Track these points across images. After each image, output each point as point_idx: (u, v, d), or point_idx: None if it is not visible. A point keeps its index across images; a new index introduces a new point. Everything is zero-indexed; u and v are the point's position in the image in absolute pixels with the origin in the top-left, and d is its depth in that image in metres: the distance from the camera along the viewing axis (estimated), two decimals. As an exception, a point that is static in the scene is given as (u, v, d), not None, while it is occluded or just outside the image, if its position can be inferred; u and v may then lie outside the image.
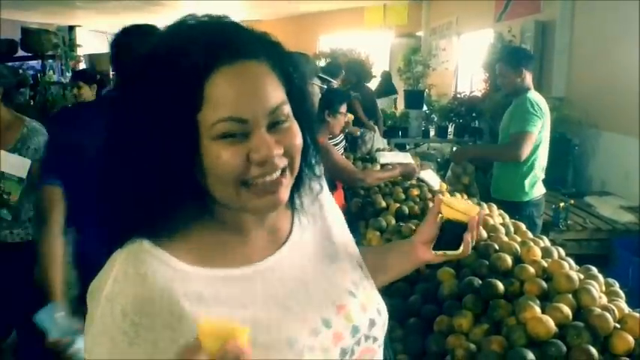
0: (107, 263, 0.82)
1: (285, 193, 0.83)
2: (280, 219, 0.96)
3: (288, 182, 0.84)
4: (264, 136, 0.79)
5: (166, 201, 0.80)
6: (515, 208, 3.37)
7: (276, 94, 0.81)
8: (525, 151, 3.42)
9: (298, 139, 0.84)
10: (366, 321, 0.93)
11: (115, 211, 0.83)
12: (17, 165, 2.70)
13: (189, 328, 0.74)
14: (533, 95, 3.54)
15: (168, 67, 0.77)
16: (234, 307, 0.81)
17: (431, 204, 2.93)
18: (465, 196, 3.04)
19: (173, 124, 0.76)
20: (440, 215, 1.08)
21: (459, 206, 1.06)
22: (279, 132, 0.81)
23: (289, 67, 0.87)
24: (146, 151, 0.77)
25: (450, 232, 1.07)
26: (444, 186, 3.47)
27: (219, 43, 0.79)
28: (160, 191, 0.79)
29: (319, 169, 0.97)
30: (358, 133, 5.12)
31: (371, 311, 0.95)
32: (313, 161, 0.94)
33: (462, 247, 1.06)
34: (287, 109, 0.83)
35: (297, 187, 0.92)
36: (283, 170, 0.82)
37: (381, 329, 0.96)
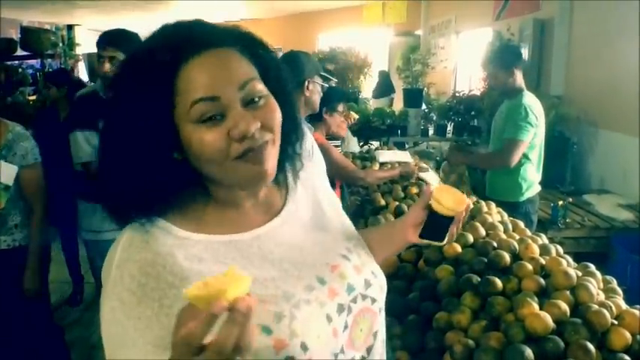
0: (115, 241, 0.88)
1: (271, 164, 0.88)
2: (273, 196, 1.02)
3: (272, 153, 0.88)
4: (239, 111, 0.84)
5: (161, 186, 0.86)
6: (511, 208, 3.38)
7: (244, 70, 0.87)
8: (515, 159, 3.42)
9: (277, 113, 0.89)
10: (360, 281, 0.98)
11: (115, 197, 0.89)
12: (4, 172, 2.61)
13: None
14: (528, 99, 3.51)
15: (143, 69, 0.85)
16: None
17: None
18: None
19: (153, 120, 0.83)
20: (429, 204, 1.12)
21: (447, 203, 1.09)
22: (255, 109, 0.86)
23: (260, 51, 0.93)
24: (134, 144, 0.84)
25: (437, 223, 1.11)
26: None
27: (186, 39, 0.86)
28: (154, 179, 0.85)
29: (299, 146, 1.01)
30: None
31: (365, 273, 1.00)
32: (294, 138, 0.99)
33: (446, 239, 1.11)
34: (259, 85, 0.87)
35: (282, 165, 0.98)
36: (265, 142, 0.86)
37: (378, 290, 1.00)
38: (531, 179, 3.60)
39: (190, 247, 0.86)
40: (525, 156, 3.52)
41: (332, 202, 1.15)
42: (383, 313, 1.02)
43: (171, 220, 0.89)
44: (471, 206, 1.01)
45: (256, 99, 0.86)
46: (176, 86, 0.84)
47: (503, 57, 3.60)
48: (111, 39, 2.72)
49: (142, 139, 0.84)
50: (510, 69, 3.50)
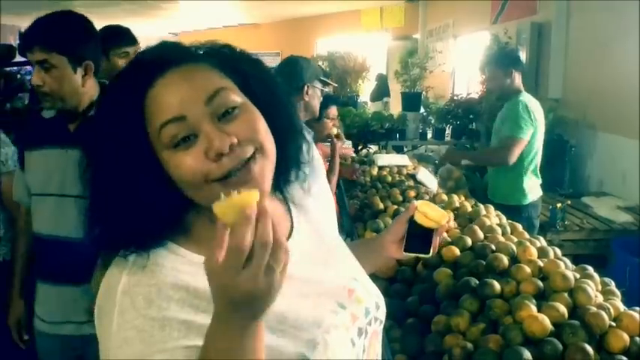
0: (112, 267, 0.82)
1: (262, 179, 0.80)
2: (279, 215, 0.96)
3: (262, 167, 0.81)
4: (210, 128, 0.77)
5: (158, 217, 0.80)
6: (514, 212, 3.38)
7: (211, 82, 0.81)
8: (513, 157, 3.43)
9: (257, 122, 0.82)
10: (372, 303, 0.97)
11: (109, 224, 0.82)
12: None
13: None
14: (526, 99, 3.53)
15: (114, 99, 0.82)
16: None
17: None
18: (462, 197, 3.05)
19: (133, 151, 0.79)
20: (410, 218, 1.17)
21: (433, 214, 1.15)
22: (231, 121, 0.80)
23: (235, 61, 0.87)
24: (121, 177, 0.79)
25: (421, 236, 1.17)
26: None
27: (151, 61, 0.82)
28: (148, 211, 0.79)
29: (302, 156, 0.95)
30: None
31: (374, 295, 0.99)
32: (292, 145, 0.92)
33: (432, 251, 1.16)
34: (232, 96, 0.81)
35: (284, 180, 0.93)
36: (251, 157, 0.79)
37: (383, 311, 1.00)
38: (534, 182, 3.61)
39: None
40: (527, 159, 3.52)
41: (330, 217, 1.14)
42: (382, 334, 1.03)
43: (179, 242, 0.83)
44: (452, 221, 1.11)
45: (230, 110, 0.80)
46: (146, 112, 0.80)
47: (501, 59, 3.64)
48: (36, 37, 1.83)
49: (127, 172, 0.78)
50: (508, 70, 3.53)
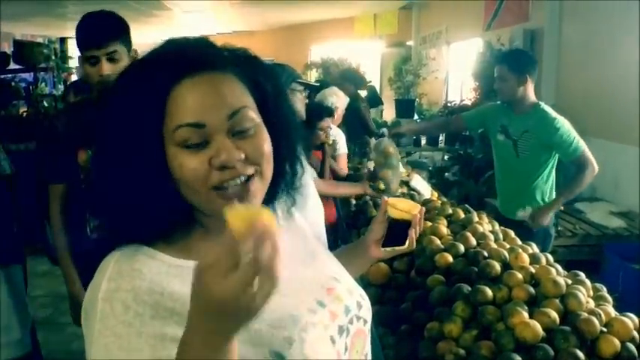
0: (97, 272, 0.84)
1: (254, 201, 0.84)
2: None
3: (257, 189, 0.84)
4: (223, 140, 0.80)
5: (152, 212, 0.82)
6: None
7: (237, 99, 0.83)
8: (594, 163, 3.13)
9: (265, 146, 0.85)
10: (354, 302, 0.98)
11: (102, 217, 0.86)
12: None
13: None
14: (550, 110, 3.19)
15: (137, 83, 0.83)
16: None
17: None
18: (436, 194, 3.06)
19: (141, 137, 0.80)
20: (387, 214, 1.20)
21: (403, 206, 1.18)
22: (243, 139, 0.82)
23: (260, 77, 0.89)
24: (121, 160, 0.82)
25: (396, 230, 1.20)
26: (435, 194, 3.51)
27: (183, 57, 0.83)
28: (139, 199, 0.82)
29: (296, 181, 0.97)
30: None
31: (356, 295, 1.00)
32: (289, 170, 0.95)
33: (407, 242, 1.18)
34: (251, 114, 0.84)
35: (272, 198, 0.94)
36: (250, 177, 0.83)
37: (367, 312, 1.01)
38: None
39: (185, 274, 0.79)
40: (551, 172, 3.29)
41: (318, 230, 1.16)
42: (370, 335, 1.03)
43: (158, 248, 0.85)
44: (424, 210, 1.13)
45: (245, 129, 0.82)
46: (166, 106, 0.81)
47: (517, 60, 3.22)
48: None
49: (131, 158, 0.81)
50: (523, 75, 3.12)
